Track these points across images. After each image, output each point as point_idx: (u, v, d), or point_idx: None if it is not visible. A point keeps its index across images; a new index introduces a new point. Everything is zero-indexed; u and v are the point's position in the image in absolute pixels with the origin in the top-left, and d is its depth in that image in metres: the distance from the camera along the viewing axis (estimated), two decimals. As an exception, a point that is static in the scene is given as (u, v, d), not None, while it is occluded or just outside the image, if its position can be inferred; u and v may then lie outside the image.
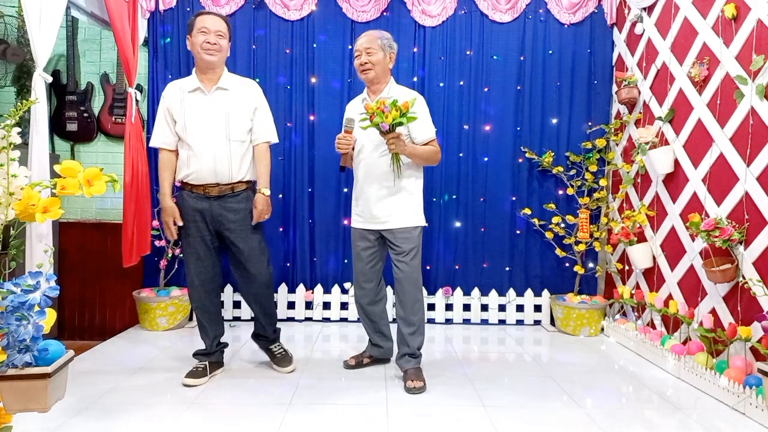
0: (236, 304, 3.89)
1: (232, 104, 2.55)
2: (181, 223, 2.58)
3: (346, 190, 3.88)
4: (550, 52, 3.87)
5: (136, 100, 3.45)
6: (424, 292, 3.90)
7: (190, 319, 3.82)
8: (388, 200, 2.62)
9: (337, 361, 2.97)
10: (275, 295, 3.87)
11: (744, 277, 2.49)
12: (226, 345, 2.84)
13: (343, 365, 2.87)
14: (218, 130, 2.52)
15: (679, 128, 3.07)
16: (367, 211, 2.66)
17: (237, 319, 3.88)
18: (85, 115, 3.78)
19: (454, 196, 3.91)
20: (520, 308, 3.94)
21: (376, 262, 2.77)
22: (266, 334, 2.83)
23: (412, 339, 2.66)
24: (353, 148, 2.68)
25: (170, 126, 2.58)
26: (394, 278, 2.68)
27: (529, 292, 3.92)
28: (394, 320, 3.85)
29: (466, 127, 3.89)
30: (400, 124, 2.39)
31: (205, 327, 2.69)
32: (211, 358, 2.70)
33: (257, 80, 3.84)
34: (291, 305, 3.91)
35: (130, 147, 3.31)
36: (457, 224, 3.92)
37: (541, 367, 2.97)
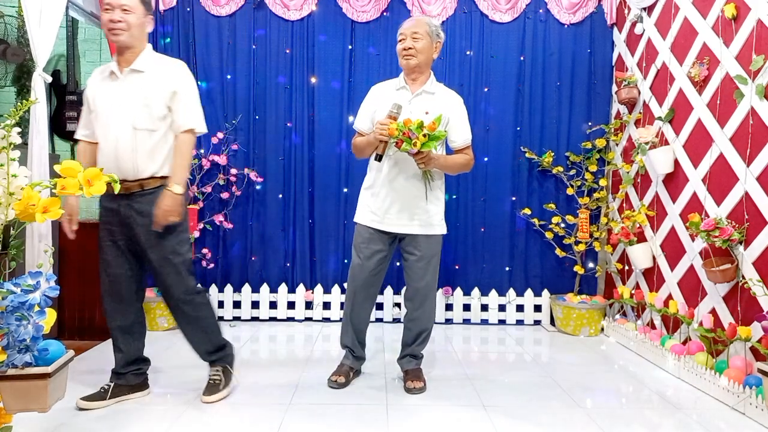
0: (236, 304, 3.89)
1: (144, 88, 2.17)
2: (75, 227, 2.23)
3: (346, 190, 3.88)
4: (551, 52, 3.87)
5: None
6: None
7: (190, 319, 3.82)
8: (419, 203, 2.47)
9: (337, 360, 2.96)
10: (275, 295, 3.88)
11: (744, 277, 2.49)
12: (145, 366, 2.45)
13: (332, 385, 2.58)
14: (124, 118, 2.15)
15: (679, 128, 3.07)
16: (391, 211, 2.47)
17: (237, 319, 3.88)
18: (85, 115, 3.78)
19: (454, 196, 3.91)
20: (520, 308, 3.94)
21: (383, 269, 2.60)
22: (201, 357, 2.48)
23: (420, 344, 2.63)
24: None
25: (88, 115, 2.27)
26: (410, 286, 2.57)
27: (529, 292, 3.92)
28: (396, 320, 3.88)
29: (466, 127, 3.89)
30: (430, 147, 2.25)
31: (116, 343, 2.35)
32: (120, 380, 2.35)
33: (257, 80, 3.85)
34: (291, 305, 3.91)
35: None
36: (457, 224, 3.92)
37: (541, 367, 2.97)
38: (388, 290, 3.88)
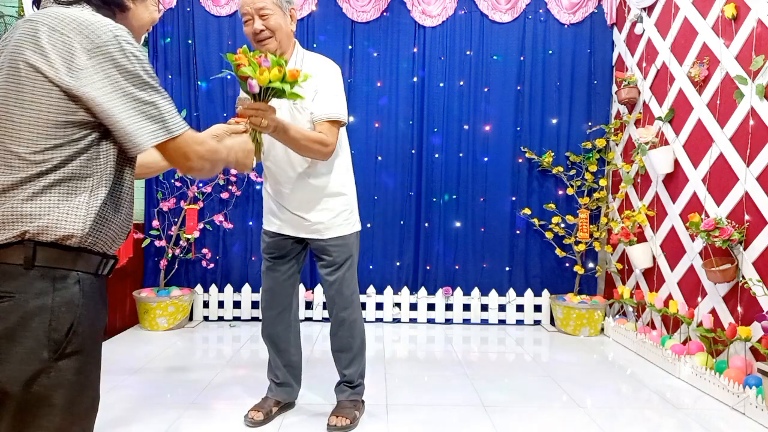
0: (236, 304, 3.89)
1: None
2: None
3: (346, 190, 3.88)
4: (550, 52, 3.87)
5: None
6: (423, 292, 3.91)
7: (191, 318, 3.83)
8: (312, 203, 2.09)
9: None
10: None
11: (744, 277, 2.49)
12: None
13: (247, 423, 2.12)
14: None
15: (679, 128, 3.07)
16: (284, 215, 2.12)
17: (237, 319, 3.88)
18: (85, 115, 3.78)
19: (454, 196, 3.91)
20: (520, 308, 3.94)
21: (296, 276, 2.25)
22: None
23: (349, 367, 2.20)
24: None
25: None
26: (325, 296, 2.22)
27: (529, 292, 3.92)
28: (396, 320, 3.88)
29: (466, 127, 3.89)
30: (280, 94, 1.70)
31: None
32: None
33: (257, 80, 3.85)
34: (291, 305, 3.90)
35: None
36: (457, 224, 3.92)
37: (541, 367, 2.97)
38: (388, 290, 3.88)
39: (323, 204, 2.10)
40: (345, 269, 2.14)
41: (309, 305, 3.91)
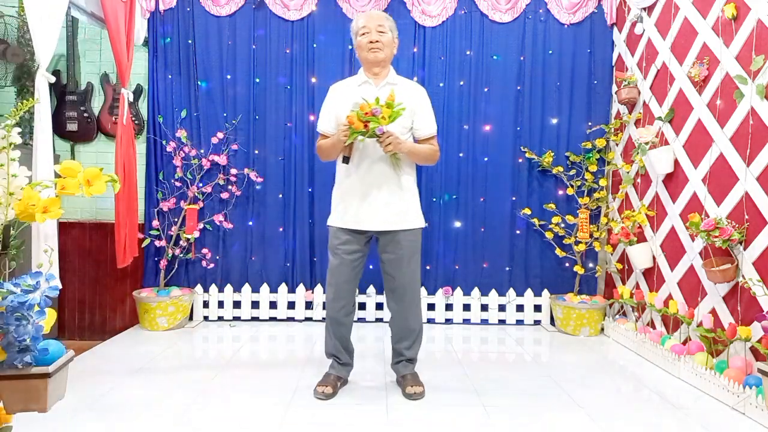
0: (236, 304, 3.89)
1: None
2: None
3: (346, 190, 3.88)
4: (550, 52, 3.87)
5: (129, 101, 3.45)
6: (424, 292, 3.91)
7: (191, 318, 3.83)
8: (396, 199, 2.42)
9: (337, 361, 2.97)
10: (275, 295, 3.88)
11: (744, 277, 2.49)
12: None
13: (319, 396, 2.41)
14: None
15: (679, 128, 3.07)
16: (364, 210, 2.41)
17: (237, 318, 3.88)
18: (85, 115, 3.78)
19: (454, 196, 3.91)
20: (520, 308, 3.94)
21: (361, 269, 2.56)
22: None
23: (412, 347, 2.54)
24: None
25: None
26: (390, 287, 2.52)
27: (529, 292, 3.92)
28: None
29: (466, 127, 3.89)
30: (398, 115, 2.25)
31: None
32: None
33: (257, 80, 3.85)
34: (291, 305, 3.90)
35: (120, 148, 3.32)
36: (457, 224, 3.92)
37: (541, 367, 2.97)
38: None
39: (405, 198, 2.44)
40: (417, 259, 2.50)
41: (309, 305, 3.91)
